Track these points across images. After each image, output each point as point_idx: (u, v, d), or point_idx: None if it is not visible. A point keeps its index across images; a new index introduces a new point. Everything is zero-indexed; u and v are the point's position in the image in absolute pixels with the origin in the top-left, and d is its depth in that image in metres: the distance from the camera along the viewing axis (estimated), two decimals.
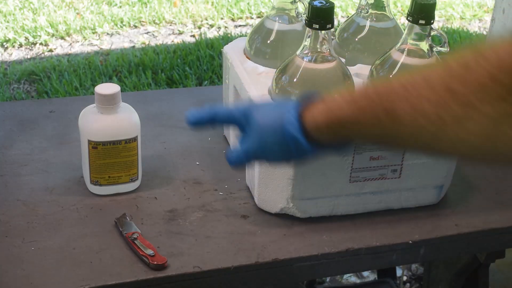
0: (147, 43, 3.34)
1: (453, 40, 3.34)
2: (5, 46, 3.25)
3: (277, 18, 1.08)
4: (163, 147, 1.17)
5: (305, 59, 0.94)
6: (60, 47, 3.27)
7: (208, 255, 0.92)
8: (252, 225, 0.99)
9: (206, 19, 3.62)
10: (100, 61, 3.06)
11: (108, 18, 3.54)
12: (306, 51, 0.94)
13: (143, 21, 3.57)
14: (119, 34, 3.44)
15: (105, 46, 3.29)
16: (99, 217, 0.99)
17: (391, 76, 0.98)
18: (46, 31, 3.36)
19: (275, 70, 0.99)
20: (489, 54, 0.55)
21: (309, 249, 0.95)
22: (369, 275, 1.90)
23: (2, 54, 3.19)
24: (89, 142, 0.99)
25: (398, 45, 0.99)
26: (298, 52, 0.95)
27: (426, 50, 0.97)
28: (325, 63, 0.95)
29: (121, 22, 3.53)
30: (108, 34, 3.43)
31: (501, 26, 1.50)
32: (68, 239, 0.94)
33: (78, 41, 3.33)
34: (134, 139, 1.01)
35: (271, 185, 0.98)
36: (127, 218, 0.97)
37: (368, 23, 1.10)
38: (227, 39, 3.26)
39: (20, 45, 3.27)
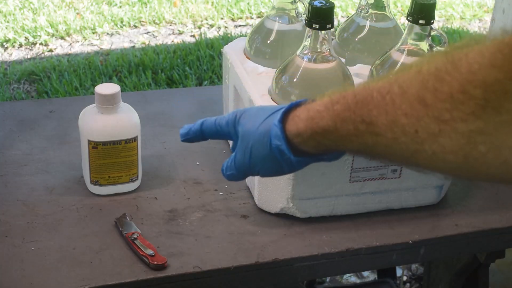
0: (147, 43, 3.34)
1: (453, 40, 3.34)
2: (5, 46, 3.25)
3: (277, 18, 1.08)
4: (163, 147, 1.17)
5: (305, 59, 0.94)
6: (60, 47, 3.27)
7: (208, 255, 0.92)
8: (252, 225, 0.99)
9: (206, 19, 3.62)
10: (100, 61, 3.06)
11: (108, 18, 3.54)
12: (306, 51, 0.94)
13: (143, 21, 3.57)
14: (119, 34, 3.44)
15: (105, 46, 3.29)
16: (99, 217, 0.99)
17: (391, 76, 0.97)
18: (46, 31, 3.36)
19: (275, 70, 0.99)
20: (461, 63, 0.52)
21: (309, 249, 0.95)
22: (369, 275, 1.90)
23: (2, 54, 3.19)
24: (89, 142, 0.99)
25: (398, 45, 0.99)
26: (298, 52, 0.95)
27: (426, 50, 0.97)
28: (325, 63, 0.95)
29: (121, 22, 3.53)
30: (108, 34, 3.43)
31: (501, 26, 1.50)
32: (68, 239, 0.94)
33: (78, 41, 3.33)
34: (134, 139, 1.01)
35: (271, 185, 0.98)
36: (127, 218, 0.97)
37: (368, 23, 1.10)
38: (227, 39, 3.26)
39: (20, 45, 3.27)
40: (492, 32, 1.53)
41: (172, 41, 3.37)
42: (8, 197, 1.02)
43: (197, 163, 1.13)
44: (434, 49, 0.97)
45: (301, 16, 1.08)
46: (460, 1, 4.02)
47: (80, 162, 1.04)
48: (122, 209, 1.00)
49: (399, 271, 1.89)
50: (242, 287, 0.94)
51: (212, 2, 3.79)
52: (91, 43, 3.32)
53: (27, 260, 0.89)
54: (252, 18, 3.69)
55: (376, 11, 1.10)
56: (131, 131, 1.00)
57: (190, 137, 0.86)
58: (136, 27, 3.53)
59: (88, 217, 0.99)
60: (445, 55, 0.54)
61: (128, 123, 1.00)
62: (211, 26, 3.57)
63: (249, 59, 1.09)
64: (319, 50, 0.94)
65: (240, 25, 3.61)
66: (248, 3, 3.78)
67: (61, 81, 2.85)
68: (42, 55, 3.19)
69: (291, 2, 1.07)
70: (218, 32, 3.50)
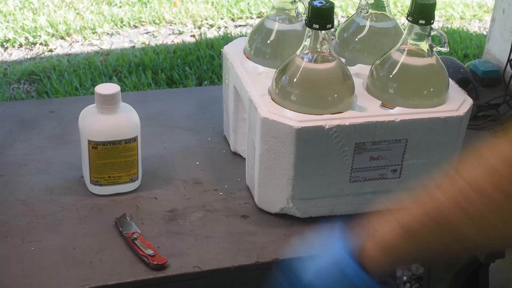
0: (147, 43, 3.34)
1: (453, 40, 3.34)
2: (5, 46, 3.25)
3: (277, 18, 1.08)
4: (163, 147, 1.17)
5: (305, 59, 0.94)
6: (60, 47, 3.27)
7: (208, 255, 0.92)
8: (252, 225, 0.99)
9: (206, 19, 3.62)
10: (100, 61, 3.06)
11: (108, 18, 3.54)
12: (306, 51, 0.94)
13: (143, 21, 3.57)
14: (119, 34, 3.44)
15: (105, 46, 3.29)
16: (99, 217, 0.99)
17: (391, 76, 0.97)
18: (46, 31, 3.36)
19: (275, 70, 0.99)
20: None
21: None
22: None
23: (2, 54, 3.19)
24: (89, 142, 0.99)
25: (398, 45, 0.99)
26: (298, 52, 0.95)
27: (426, 50, 0.97)
28: (325, 63, 0.95)
29: (121, 22, 3.53)
30: (108, 34, 3.43)
31: (501, 26, 1.50)
32: (68, 239, 0.94)
33: (78, 41, 3.33)
34: (134, 139, 1.01)
35: (271, 185, 0.98)
36: (127, 218, 0.97)
37: (368, 23, 1.10)
38: (227, 39, 3.26)
39: (20, 45, 3.27)
40: (492, 32, 1.53)
41: (172, 41, 3.37)
42: (8, 197, 1.02)
43: (197, 163, 1.13)
44: (434, 49, 0.97)
45: (301, 16, 1.08)
46: (460, 1, 4.02)
47: (80, 162, 1.04)
48: (122, 209, 1.00)
49: (399, 271, 1.89)
50: (242, 287, 0.94)
51: (212, 2, 3.79)
52: (91, 43, 3.32)
53: (27, 260, 0.89)
54: (252, 18, 3.69)
55: (376, 11, 1.10)
56: (131, 131, 1.00)
57: None
58: (136, 27, 3.53)
59: (88, 217, 0.99)
60: None
61: (128, 123, 1.00)
62: (211, 26, 3.57)
63: (249, 59, 1.09)
64: (319, 50, 0.94)
65: (240, 25, 3.61)
66: (248, 3, 3.78)
67: (61, 81, 2.85)
68: (42, 55, 3.19)
69: (291, 2, 1.07)
70: (218, 32, 3.50)
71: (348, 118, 0.93)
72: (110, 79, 2.88)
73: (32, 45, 3.28)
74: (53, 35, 3.36)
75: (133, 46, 3.29)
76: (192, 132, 1.22)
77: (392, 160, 0.98)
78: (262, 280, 0.94)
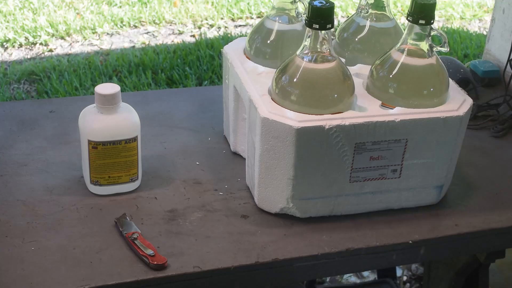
0: (147, 43, 3.34)
1: (453, 40, 3.34)
2: (5, 46, 3.25)
3: (277, 18, 1.08)
4: (163, 147, 1.17)
5: (305, 59, 0.94)
6: (60, 47, 3.27)
7: (208, 255, 0.92)
8: (252, 225, 0.99)
9: (206, 19, 3.62)
10: (100, 61, 3.06)
11: (108, 18, 3.54)
12: (306, 51, 0.94)
13: (143, 21, 3.57)
14: (119, 34, 3.44)
15: (105, 46, 3.29)
16: (99, 217, 0.99)
17: (391, 76, 0.98)
18: (46, 31, 3.36)
19: (275, 70, 0.99)
20: None
21: (309, 249, 0.95)
22: (369, 275, 1.90)
23: (2, 54, 3.19)
24: (89, 142, 0.99)
25: (398, 45, 0.99)
26: (298, 52, 0.95)
27: (426, 50, 0.97)
28: (325, 63, 0.95)
29: (121, 22, 3.53)
30: (108, 34, 3.43)
31: (501, 26, 1.50)
32: (68, 239, 0.94)
33: (78, 41, 3.33)
34: (134, 139, 1.01)
35: (271, 185, 0.98)
36: (127, 218, 0.97)
37: (368, 23, 1.10)
38: (227, 39, 3.26)
39: (20, 45, 3.27)
40: (492, 32, 1.53)
41: (172, 41, 3.37)
42: (8, 197, 1.02)
43: (197, 163, 1.13)
44: (434, 49, 0.97)
45: (301, 16, 1.08)
46: (460, 1, 4.02)
47: (80, 162, 1.04)
48: (122, 209, 1.00)
49: (399, 271, 1.89)
50: (242, 287, 0.94)
51: (212, 2, 3.79)
52: (91, 43, 3.33)
53: (27, 260, 0.89)
54: (252, 18, 3.69)
55: (376, 11, 1.10)
56: (131, 131, 1.00)
57: None
58: (136, 27, 3.53)
59: (88, 217, 0.99)
60: None
61: (128, 123, 1.00)
62: (211, 26, 3.57)
63: (249, 59, 1.09)
64: (319, 50, 0.94)
65: (240, 25, 3.61)
66: (248, 3, 3.78)
67: (61, 81, 2.85)
68: (42, 55, 3.19)
69: (291, 2, 1.07)
70: (218, 32, 3.50)
71: (348, 118, 0.93)
72: (110, 79, 2.88)
73: (32, 45, 3.28)
74: (53, 35, 3.36)
75: (133, 46, 3.29)
76: (192, 132, 1.22)
77: (392, 160, 0.98)
78: (262, 280, 0.94)
